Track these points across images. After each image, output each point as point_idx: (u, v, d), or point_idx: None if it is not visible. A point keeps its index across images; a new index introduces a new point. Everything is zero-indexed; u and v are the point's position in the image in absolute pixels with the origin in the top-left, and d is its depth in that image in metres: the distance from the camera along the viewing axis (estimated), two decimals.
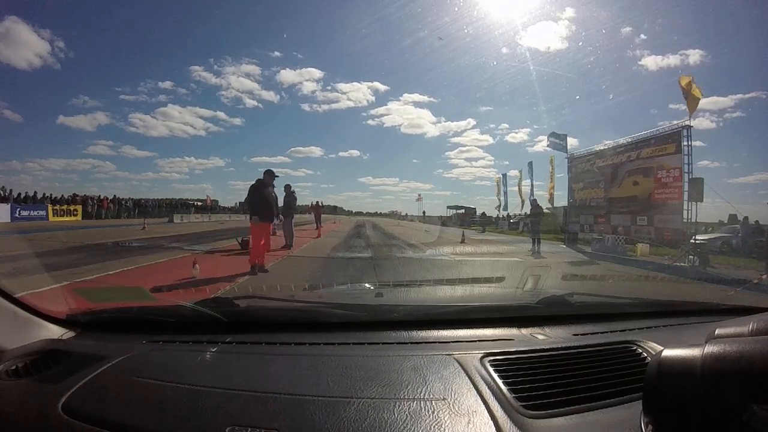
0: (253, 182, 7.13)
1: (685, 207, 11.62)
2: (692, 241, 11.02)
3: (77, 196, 28.60)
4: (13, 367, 0.90)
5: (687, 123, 12.08)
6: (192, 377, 0.87)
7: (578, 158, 16.64)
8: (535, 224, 13.47)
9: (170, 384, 0.84)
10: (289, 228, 10.43)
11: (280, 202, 8.62)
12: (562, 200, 20.51)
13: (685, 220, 11.59)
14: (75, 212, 26.06)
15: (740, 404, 0.49)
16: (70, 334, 1.11)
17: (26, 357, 0.94)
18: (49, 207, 24.30)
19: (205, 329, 1.11)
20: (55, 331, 1.10)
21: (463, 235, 16.55)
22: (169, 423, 0.72)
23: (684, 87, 11.48)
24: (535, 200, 15.72)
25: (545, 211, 16.00)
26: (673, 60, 63.13)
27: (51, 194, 27.08)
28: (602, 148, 15.25)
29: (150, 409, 0.77)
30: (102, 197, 30.84)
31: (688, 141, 11.94)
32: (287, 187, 11.19)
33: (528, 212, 27.36)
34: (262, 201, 6.91)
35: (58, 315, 1.15)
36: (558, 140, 17.41)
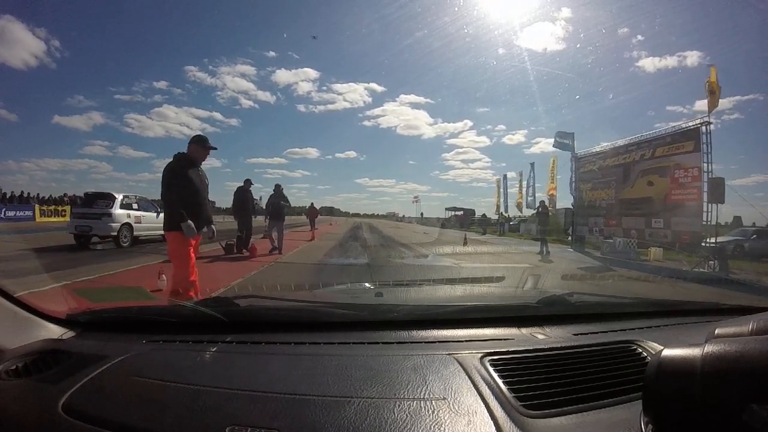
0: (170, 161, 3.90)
1: (705, 209, 10.99)
2: (704, 244, 10.72)
3: (66, 196, 27.99)
4: (13, 367, 0.90)
5: (706, 119, 11.20)
6: (192, 377, 0.87)
7: (586, 157, 15.76)
8: (542, 225, 13.32)
9: (170, 384, 0.84)
10: (279, 231, 9.46)
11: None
12: (561, 202, 19.92)
13: (704, 223, 11.00)
14: (63, 213, 25.64)
15: (740, 404, 0.49)
16: (70, 334, 1.12)
17: (26, 357, 0.94)
18: (36, 207, 24.04)
19: (205, 329, 1.11)
20: (55, 331, 1.10)
21: (465, 239, 15.62)
22: (169, 423, 0.73)
23: (710, 80, 10.65)
24: (543, 202, 15.41)
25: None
26: (670, 61, 62.89)
27: (38, 194, 26.98)
28: (613, 146, 14.32)
29: (150, 409, 0.77)
30: None
31: (707, 138, 11.06)
32: (277, 187, 10.21)
33: (527, 215, 26.96)
34: (187, 195, 3.78)
35: (58, 315, 1.15)
36: (564, 139, 16.48)
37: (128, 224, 11.09)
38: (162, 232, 11.98)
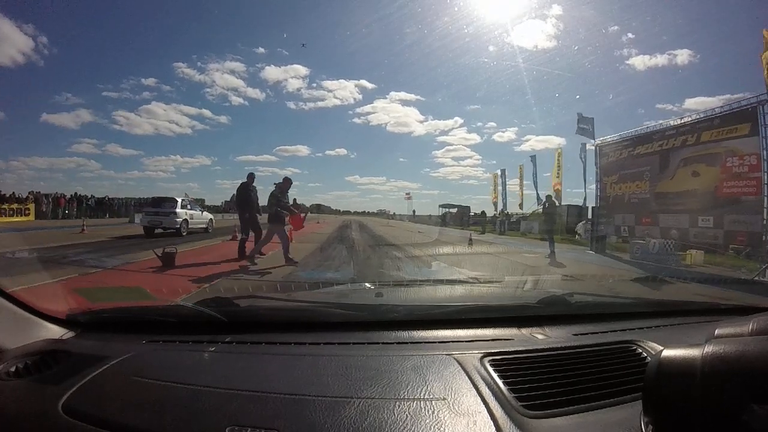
0: None
1: (766, 204, 9.33)
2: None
3: (31, 194, 27.34)
4: (13, 368, 0.93)
5: (765, 97, 9.32)
6: (192, 377, 0.90)
7: (611, 145, 13.74)
8: (549, 223, 12.45)
9: (170, 384, 0.87)
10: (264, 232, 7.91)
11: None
12: (567, 197, 18.12)
13: (765, 221, 9.31)
14: (27, 212, 24.93)
15: (740, 404, 0.50)
16: (70, 334, 1.15)
17: (26, 357, 0.97)
18: None
19: (205, 329, 1.14)
20: (55, 331, 1.13)
21: (470, 240, 13.55)
22: (169, 423, 0.75)
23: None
24: (550, 197, 14.40)
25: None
26: (660, 60, 61.75)
27: None
28: (646, 131, 12.24)
29: (150, 409, 0.80)
30: (59, 195, 29.47)
31: (766, 119, 9.15)
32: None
33: (527, 212, 25.26)
34: None
35: (58, 315, 1.19)
36: (585, 125, 14.56)
37: (186, 220, 15.26)
38: (204, 225, 15.35)
